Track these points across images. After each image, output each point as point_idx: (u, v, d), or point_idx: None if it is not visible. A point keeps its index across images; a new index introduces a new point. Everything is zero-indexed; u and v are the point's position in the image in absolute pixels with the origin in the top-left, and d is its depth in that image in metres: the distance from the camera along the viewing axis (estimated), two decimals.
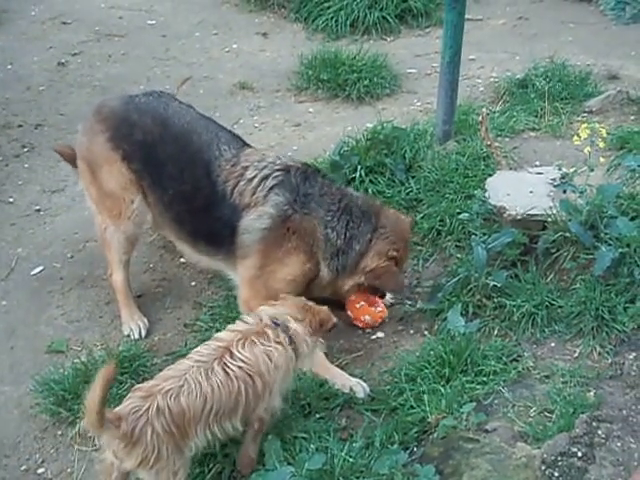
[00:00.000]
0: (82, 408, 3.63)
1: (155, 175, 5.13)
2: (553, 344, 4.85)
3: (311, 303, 4.29)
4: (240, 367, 3.76)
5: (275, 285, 4.87)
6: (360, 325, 5.24)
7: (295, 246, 4.93)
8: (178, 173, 5.07)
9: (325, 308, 4.36)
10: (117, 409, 3.61)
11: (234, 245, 4.96)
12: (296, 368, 4.17)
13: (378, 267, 5.01)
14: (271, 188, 4.93)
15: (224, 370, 3.74)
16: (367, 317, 5.23)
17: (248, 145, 5.30)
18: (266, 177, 4.95)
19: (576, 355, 4.74)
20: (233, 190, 4.95)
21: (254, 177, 4.96)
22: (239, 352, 3.80)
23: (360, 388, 4.70)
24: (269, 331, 3.94)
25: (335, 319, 4.34)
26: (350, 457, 3.97)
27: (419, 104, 7.95)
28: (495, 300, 5.07)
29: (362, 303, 5.21)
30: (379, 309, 5.25)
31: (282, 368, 3.91)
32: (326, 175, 5.33)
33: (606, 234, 4.99)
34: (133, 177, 5.13)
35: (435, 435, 4.22)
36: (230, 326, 4.06)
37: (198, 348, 3.92)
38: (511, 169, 6.20)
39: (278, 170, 4.99)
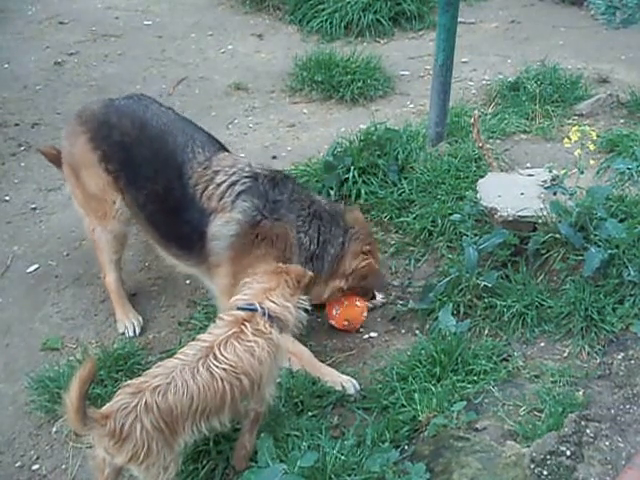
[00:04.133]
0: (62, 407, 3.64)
1: (131, 176, 5.12)
2: (543, 344, 4.89)
3: (282, 264, 4.27)
4: (225, 369, 3.75)
5: None
6: (340, 327, 5.27)
7: (264, 253, 4.86)
8: (152, 174, 5.05)
9: (298, 266, 4.38)
10: (106, 406, 3.63)
11: (204, 251, 4.93)
12: (285, 344, 4.14)
13: (359, 268, 5.05)
14: (238, 194, 4.88)
15: (209, 371, 3.73)
16: (346, 322, 5.24)
17: (225, 149, 5.28)
18: (234, 183, 4.91)
19: (565, 355, 4.78)
20: (202, 194, 4.91)
21: (223, 182, 4.92)
22: (222, 355, 3.78)
23: (350, 385, 4.73)
24: (246, 325, 3.90)
25: (310, 272, 4.32)
26: (342, 455, 3.98)
27: (412, 106, 7.99)
28: (486, 300, 5.11)
29: (338, 308, 5.24)
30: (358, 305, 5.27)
31: (267, 360, 3.87)
32: (296, 181, 5.33)
33: (596, 236, 5.03)
34: (111, 178, 5.14)
35: (426, 433, 4.24)
36: (211, 327, 4.03)
37: (183, 349, 3.91)
38: (502, 171, 6.24)
39: (246, 177, 4.95)
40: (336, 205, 5.34)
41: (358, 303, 5.25)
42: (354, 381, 4.77)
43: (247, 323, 3.90)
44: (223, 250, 4.88)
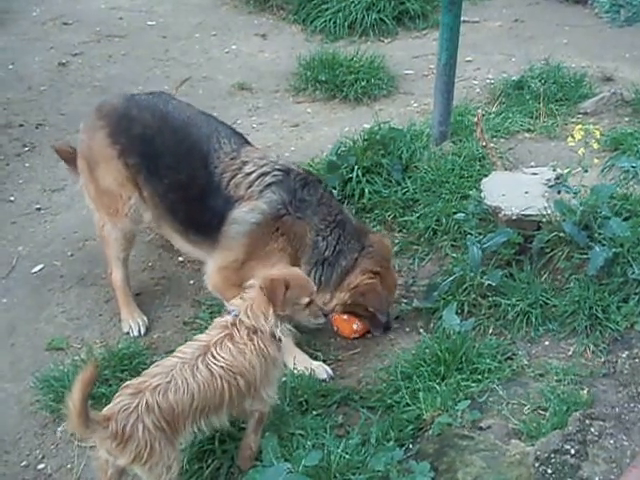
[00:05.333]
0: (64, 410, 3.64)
1: (152, 166, 5.12)
2: (547, 343, 4.89)
3: (276, 272, 4.19)
4: (222, 367, 3.77)
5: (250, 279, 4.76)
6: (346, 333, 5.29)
7: (281, 248, 4.93)
8: (175, 163, 5.07)
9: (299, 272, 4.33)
10: (107, 408, 3.64)
11: (219, 235, 4.96)
12: (279, 352, 4.12)
13: (362, 283, 5.05)
14: (268, 185, 4.92)
15: (208, 368, 3.74)
16: (355, 325, 5.27)
17: (249, 143, 5.30)
18: (265, 174, 4.95)
19: (570, 353, 4.78)
20: (229, 182, 4.94)
21: (252, 172, 4.95)
22: (219, 354, 3.80)
23: (322, 370, 4.83)
24: (235, 331, 3.91)
25: (312, 283, 4.27)
26: (346, 454, 3.98)
27: (416, 105, 7.99)
28: (490, 299, 5.11)
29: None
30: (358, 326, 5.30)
31: (258, 363, 3.88)
32: (327, 187, 5.34)
33: (600, 234, 5.03)
34: (130, 173, 5.14)
35: (430, 432, 4.24)
36: (209, 329, 4.05)
37: (180, 347, 3.93)
38: (506, 170, 6.25)
39: (278, 170, 4.99)
40: (364, 224, 5.45)
41: (354, 326, 5.27)
42: (326, 367, 4.85)
43: (234, 330, 3.92)
44: (239, 235, 4.92)
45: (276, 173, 4.98)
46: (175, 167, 5.08)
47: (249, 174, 4.96)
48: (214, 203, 4.97)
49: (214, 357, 3.79)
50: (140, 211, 5.27)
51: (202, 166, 5.01)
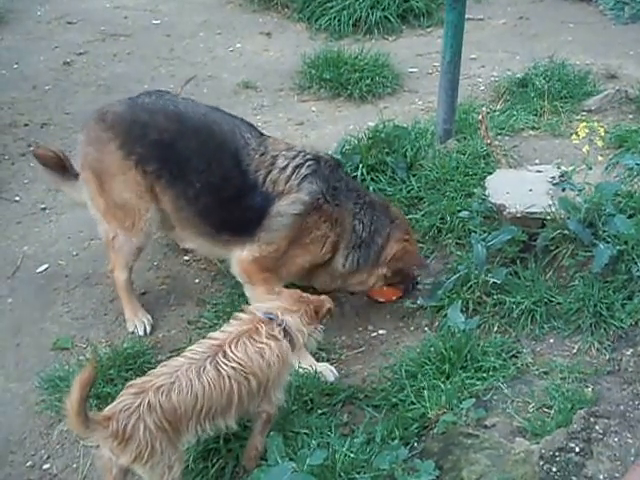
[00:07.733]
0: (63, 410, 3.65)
1: (176, 171, 4.98)
2: (552, 340, 4.89)
3: (305, 294, 4.31)
4: (234, 367, 3.75)
5: (289, 267, 5.07)
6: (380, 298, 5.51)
7: (323, 234, 5.04)
8: (205, 165, 4.97)
9: (322, 296, 4.40)
10: (109, 407, 3.64)
11: (258, 229, 4.96)
12: (293, 359, 4.19)
13: (397, 251, 5.23)
14: (305, 176, 4.98)
15: (216, 369, 3.73)
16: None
17: (261, 133, 5.28)
18: (299, 166, 5.00)
19: (574, 351, 4.77)
20: (265, 179, 4.94)
21: (286, 166, 4.98)
22: (232, 352, 3.78)
23: (329, 372, 4.83)
24: (261, 326, 3.92)
25: (330, 304, 4.37)
26: (351, 452, 3.99)
27: (420, 103, 7.99)
28: (495, 297, 5.10)
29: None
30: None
31: (276, 364, 3.89)
32: (345, 169, 5.56)
33: (604, 232, 5.02)
34: (148, 182, 5.00)
35: (435, 431, 4.24)
36: (225, 325, 4.05)
37: (192, 346, 3.92)
38: (511, 167, 6.24)
39: (310, 160, 5.06)
40: (382, 198, 5.58)
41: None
42: (332, 368, 4.86)
43: (263, 325, 3.93)
44: (283, 227, 4.96)
45: (309, 163, 5.05)
46: (206, 169, 4.98)
47: (284, 168, 4.99)
48: (252, 202, 4.96)
49: (226, 356, 3.78)
50: (155, 224, 5.20)
51: (234, 165, 4.97)
